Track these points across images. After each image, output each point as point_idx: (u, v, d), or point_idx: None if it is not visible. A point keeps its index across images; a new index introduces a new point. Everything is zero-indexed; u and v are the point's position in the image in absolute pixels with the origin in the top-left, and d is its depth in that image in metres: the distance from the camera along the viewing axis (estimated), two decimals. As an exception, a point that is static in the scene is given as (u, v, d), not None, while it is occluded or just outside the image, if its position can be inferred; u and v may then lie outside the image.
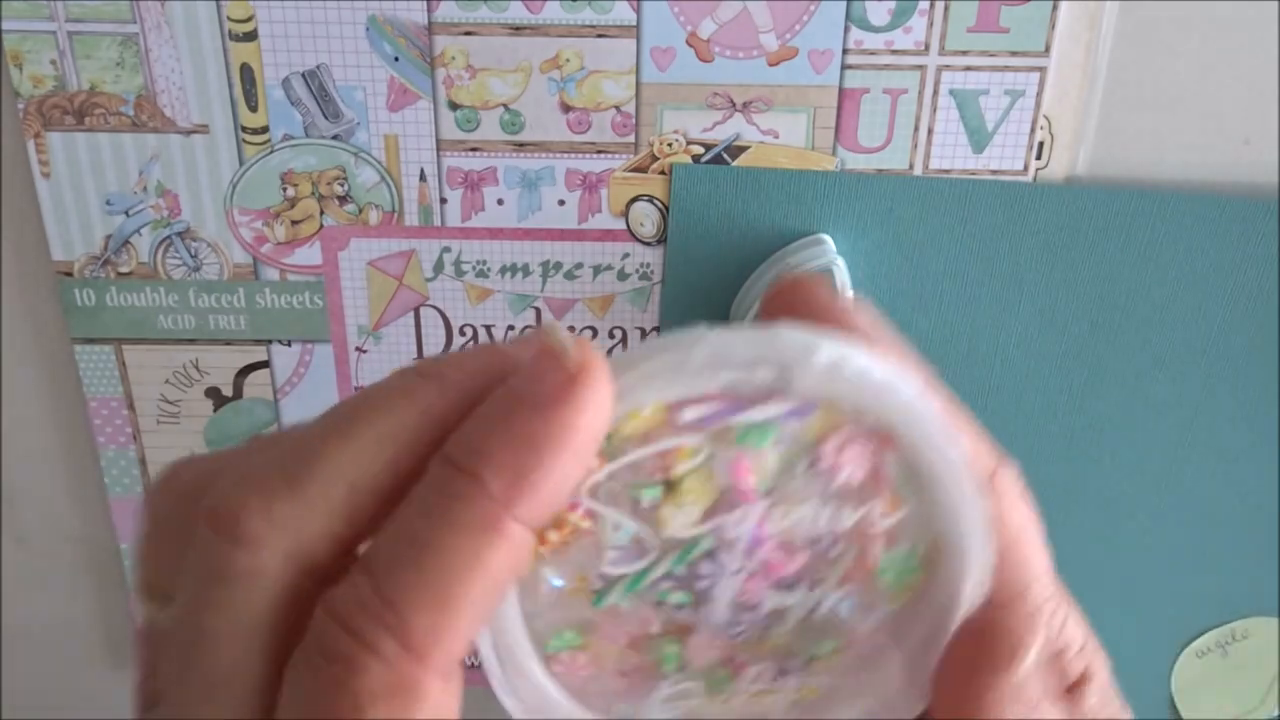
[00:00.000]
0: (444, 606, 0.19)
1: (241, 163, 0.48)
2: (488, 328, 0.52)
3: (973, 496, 0.22)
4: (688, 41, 0.46)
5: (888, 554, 0.22)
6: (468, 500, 0.19)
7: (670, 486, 0.21)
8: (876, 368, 0.21)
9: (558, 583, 0.21)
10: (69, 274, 0.50)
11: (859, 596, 0.22)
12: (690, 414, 0.20)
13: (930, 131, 0.48)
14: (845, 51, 0.46)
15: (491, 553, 0.19)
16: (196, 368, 0.52)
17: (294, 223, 0.49)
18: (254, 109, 0.47)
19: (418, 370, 0.21)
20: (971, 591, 0.22)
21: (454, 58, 0.46)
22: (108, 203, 0.49)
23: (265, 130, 0.47)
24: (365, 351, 0.52)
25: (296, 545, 0.19)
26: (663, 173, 0.48)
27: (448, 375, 0.20)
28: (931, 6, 0.45)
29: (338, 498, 0.20)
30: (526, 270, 0.50)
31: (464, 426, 0.20)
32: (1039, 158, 0.48)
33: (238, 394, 0.53)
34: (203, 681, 0.19)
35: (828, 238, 0.49)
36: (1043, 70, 0.47)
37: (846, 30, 0.46)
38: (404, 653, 0.19)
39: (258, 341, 0.52)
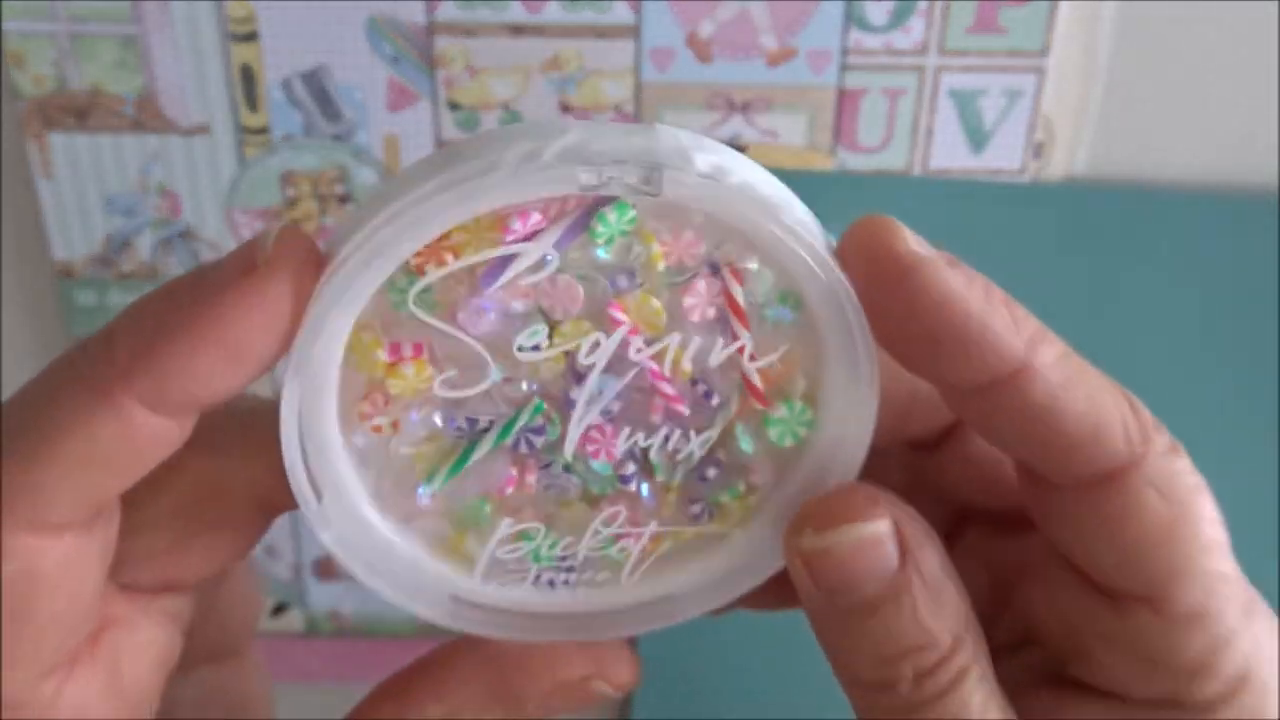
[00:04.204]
0: (35, 463, 0.18)
1: (241, 163, 0.48)
2: (488, 328, 0.52)
3: (858, 333, 0.21)
4: (687, 42, 0.46)
5: (773, 403, 0.22)
6: (88, 362, 0.19)
7: (553, 328, 0.21)
8: (764, 181, 0.20)
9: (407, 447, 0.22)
10: (69, 274, 0.50)
11: (754, 439, 0.22)
12: (520, 223, 0.19)
13: (929, 131, 0.48)
14: (844, 52, 0.46)
15: (95, 420, 0.18)
16: (197, 368, 0.52)
17: (294, 223, 0.49)
18: (254, 109, 0.47)
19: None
20: (852, 447, 0.22)
21: (454, 58, 0.46)
22: (108, 203, 0.49)
23: (265, 130, 0.47)
24: (365, 351, 0.52)
25: None
26: (662, 173, 0.48)
27: None
28: (930, 7, 0.45)
29: None
30: (526, 270, 0.50)
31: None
32: (1038, 158, 0.48)
33: (238, 394, 0.53)
34: None
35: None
36: (1042, 70, 0.47)
37: (846, 30, 0.46)
38: None
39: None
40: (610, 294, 0.20)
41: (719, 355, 0.21)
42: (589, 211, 0.19)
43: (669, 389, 0.21)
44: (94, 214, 0.49)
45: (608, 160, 0.19)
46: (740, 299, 0.21)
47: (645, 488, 0.23)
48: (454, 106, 0.47)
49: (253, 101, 0.47)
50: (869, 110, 0.47)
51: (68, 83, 0.47)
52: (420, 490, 0.22)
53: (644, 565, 0.23)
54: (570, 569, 0.23)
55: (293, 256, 0.19)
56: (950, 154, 0.48)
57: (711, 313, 0.21)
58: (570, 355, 0.21)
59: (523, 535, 0.22)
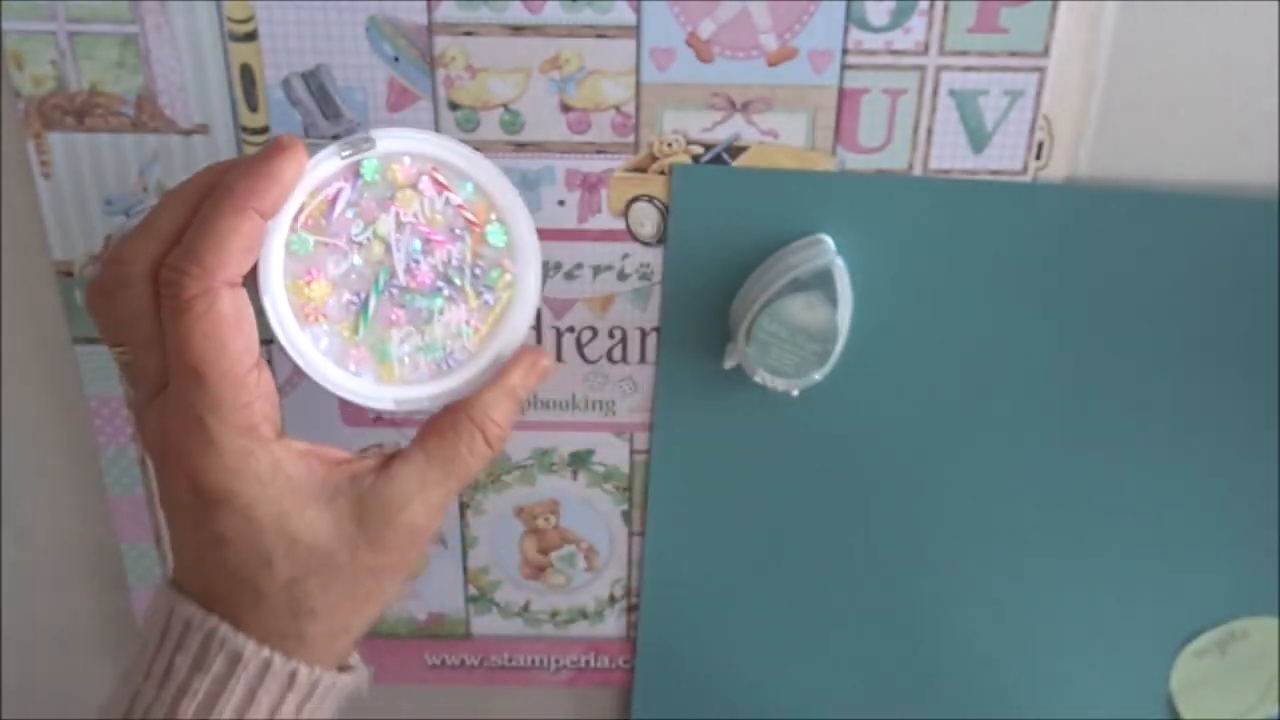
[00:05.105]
0: (219, 247, 0.36)
1: (241, 163, 0.48)
2: (488, 328, 0.52)
3: (506, 183, 0.41)
4: (687, 41, 0.46)
5: (488, 230, 0.41)
6: (228, 195, 0.37)
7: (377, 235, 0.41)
8: (434, 137, 0.40)
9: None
10: (69, 274, 0.50)
11: (489, 245, 0.41)
12: (326, 190, 0.40)
13: (930, 131, 0.48)
14: (845, 52, 0.46)
15: (241, 221, 0.37)
16: (196, 368, 0.52)
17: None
18: (254, 109, 0.47)
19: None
20: (528, 255, 0.42)
21: (454, 58, 0.46)
22: (108, 203, 0.49)
23: (265, 130, 0.47)
24: (365, 351, 0.52)
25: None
26: (662, 173, 0.48)
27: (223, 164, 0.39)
28: (931, 7, 0.45)
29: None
30: (526, 270, 0.51)
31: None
32: (1039, 158, 0.48)
33: (238, 394, 0.53)
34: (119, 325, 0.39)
35: (827, 238, 0.49)
36: (1042, 70, 0.47)
37: (846, 30, 0.46)
38: (202, 273, 0.36)
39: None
40: (389, 199, 0.40)
41: (443, 206, 0.41)
42: (358, 171, 0.40)
43: (436, 234, 0.41)
44: (93, 214, 0.49)
45: (348, 143, 0.39)
46: (444, 180, 0.40)
47: (458, 294, 0.41)
48: (454, 106, 0.47)
49: (252, 101, 0.47)
50: (869, 110, 0.47)
51: (67, 83, 0.47)
52: (354, 350, 0.41)
53: (481, 338, 0.42)
54: (450, 355, 0.42)
55: (297, 142, 0.38)
56: (951, 154, 0.48)
57: (435, 193, 0.41)
58: (385, 238, 0.41)
59: (407, 341, 0.41)
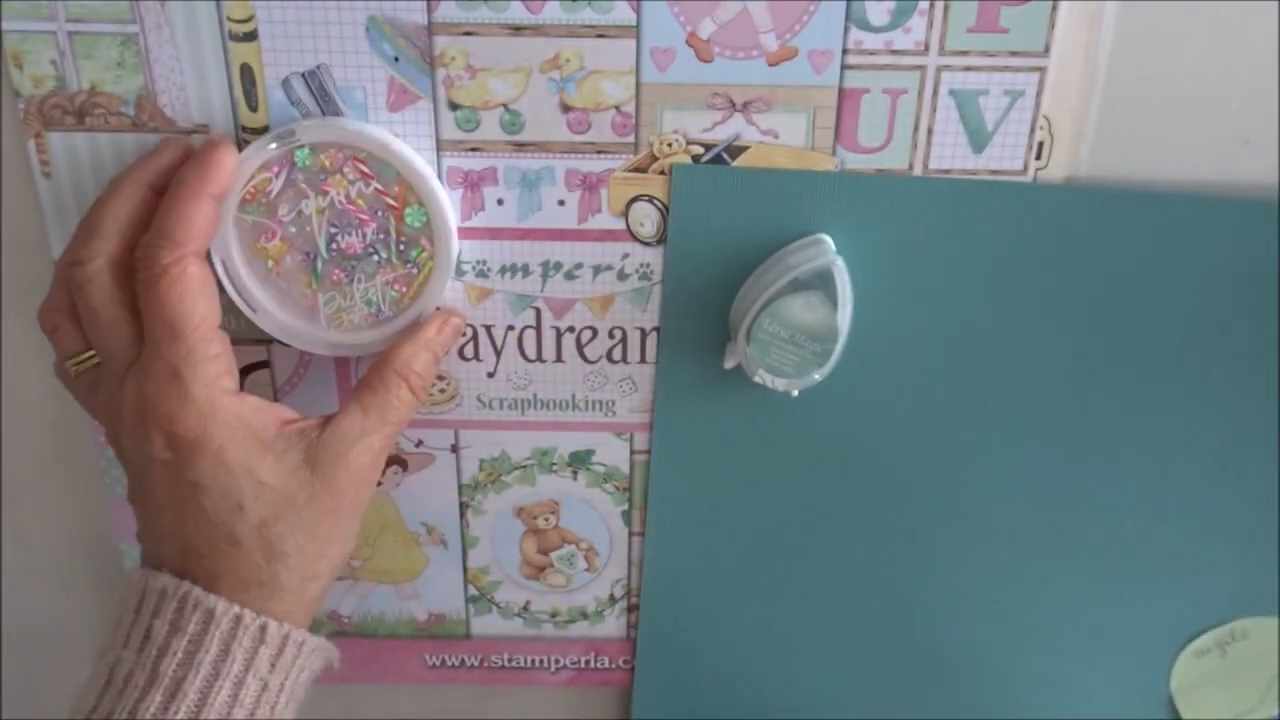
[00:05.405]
0: (184, 224, 0.44)
1: (241, 163, 0.48)
2: (488, 328, 0.52)
3: (424, 172, 0.47)
4: (688, 41, 0.46)
5: (406, 212, 0.47)
6: (183, 185, 0.44)
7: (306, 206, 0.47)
8: (355, 124, 0.47)
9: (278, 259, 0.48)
10: (69, 274, 0.50)
11: (408, 224, 0.48)
12: (266, 173, 0.47)
13: (930, 131, 0.48)
14: (845, 52, 0.46)
15: (200, 204, 0.44)
16: (196, 368, 0.52)
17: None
18: (254, 109, 0.47)
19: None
20: (444, 230, 0.48)
21: (454, 58, 0.46)
22: (108, 203, 0.49)
23: (265, 130, 0.47)
24: (365, 351, 0.52)
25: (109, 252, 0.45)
26: (663, 173, 0.48)
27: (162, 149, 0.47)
28: (931, 7, 0.45)
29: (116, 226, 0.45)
30: (526, 270, 0.50)
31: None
32: (1039, 158, 0.48)
33: (238, 394, 0.53)
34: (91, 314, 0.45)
35: (827, 238, 0.49)
36: (1042, 70, 0.47)
37: (846, 30, 0.46)
38: (173, 245, 0.43)
39: (258, 341, 0.52)
40: (320, 180, 0.47)
41: (366, 190, 0.47)
42: (293, 159, 0.46)
43: (361, 214, 0.47)
44: (93, 214, 0.49)
45: (275, 135, 0.46)
46: (367, 168, 0.47)
47: (385, 262, 0.48)
48: (454, 106, 0.47)
49: (252, 101, 0.47)
50: (869, 110, 0.47)
51: (67, 83, 0.47)
52: (308, 297, 0.49)
53: (406, 300, 0.49)
54: (378, 313, 0.49)
55: (226, 139, 0.46)
56: (951, 154, 0.48)
57: (357, 177, 0.47)
58: (321, 213, 0.47)
59: (345, 296, 0.49)
